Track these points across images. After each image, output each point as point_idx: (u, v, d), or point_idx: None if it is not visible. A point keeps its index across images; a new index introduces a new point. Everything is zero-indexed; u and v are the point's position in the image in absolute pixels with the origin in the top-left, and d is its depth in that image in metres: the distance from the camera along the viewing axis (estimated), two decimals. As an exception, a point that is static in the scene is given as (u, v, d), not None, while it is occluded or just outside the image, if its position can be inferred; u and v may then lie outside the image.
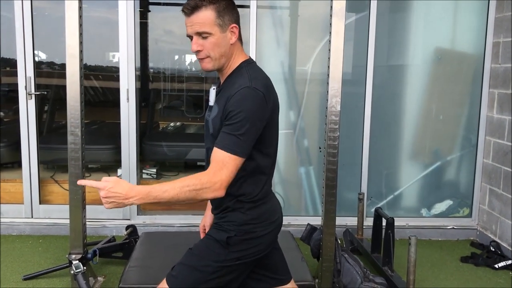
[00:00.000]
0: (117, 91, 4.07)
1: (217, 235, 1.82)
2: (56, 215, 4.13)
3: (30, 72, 3.97)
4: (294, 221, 4.10)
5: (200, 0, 1.69)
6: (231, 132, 1.65)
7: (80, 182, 1.64)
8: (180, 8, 1.75)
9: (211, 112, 1.82)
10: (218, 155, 1.65)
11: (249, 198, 1.79)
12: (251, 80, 1.71)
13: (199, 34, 1.72)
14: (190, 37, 1.76)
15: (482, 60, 4.14)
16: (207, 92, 6.04)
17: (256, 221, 1.81)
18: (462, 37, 4.19)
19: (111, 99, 5.87)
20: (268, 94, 1.72)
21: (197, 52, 1.75)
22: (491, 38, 4.08)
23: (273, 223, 1.88)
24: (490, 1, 4.06)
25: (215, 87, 1.86)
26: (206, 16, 1.70)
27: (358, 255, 3.50)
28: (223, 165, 1.64)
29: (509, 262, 3.64)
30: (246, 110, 1.65)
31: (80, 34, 2.85)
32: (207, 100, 1.92)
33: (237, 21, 1.78)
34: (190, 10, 1.70)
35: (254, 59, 4.18)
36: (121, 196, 1.55)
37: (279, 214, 1.93)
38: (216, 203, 1.86)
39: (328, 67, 2.88)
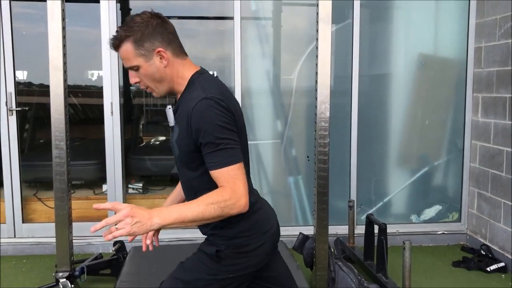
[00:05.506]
0: (97, 107, 4.02)
1: (207, 249, 1.75)
2: (40, 233, 4.01)
3: (11, 88, 3.89)
4: (285, 232, 3.99)
5: (116, 37, 1.67)
6: (214, 148, 1.58)
7: (97, 206, 1.52)
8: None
9: (173, 133, 1.74)
10: (222, 174, 1.58)
11: None
12: (204, 90, 1.64)
13: (130, 68, 1.70)
14: None
15: (465, 65, 4.18)
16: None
17: (246, 233, 1.73)
18: (445, 43, 4.23)
19: (92, 117, 5.80)
20: (225, 100, 1.64)
21: (137, 84, 1.73)
22: (473, 43, 4.14)
23: (266, 233, 1.78)
24: (470, 7, 4.12)
25: (170, 106, 1.76)
26: (125, 50, 1.67)
27: (351, 263, 3.46)
28: (234, 178, 1.57)
29: (501, 264, 3.64)
30: (211, 120, 1.58)
31: (64, 46, 2.80)
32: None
33: (162, 42, 1.68)
34: (114, 48, 1.70)
35: (240, 70, 4.18)
36: (145, 216, 1.45)
37: (272, 223, 1.83)
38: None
39: (316, 73, 2.87)
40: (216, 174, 1.59)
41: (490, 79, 3.92)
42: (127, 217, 1.44)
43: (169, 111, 1.75)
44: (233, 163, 1.58)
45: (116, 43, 1.68)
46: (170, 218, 1.49)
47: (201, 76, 1.73)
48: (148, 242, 1.84)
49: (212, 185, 1.61)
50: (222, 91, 1.70)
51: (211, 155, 1.59)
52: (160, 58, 1.68)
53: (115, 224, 1.45)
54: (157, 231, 1.93)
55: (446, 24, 4.21)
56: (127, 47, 1.66)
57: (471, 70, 4.17)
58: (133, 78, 1.72)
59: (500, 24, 3.78)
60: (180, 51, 1.74)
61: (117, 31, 1.68)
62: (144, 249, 1.83)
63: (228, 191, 1.55)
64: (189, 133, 1.61)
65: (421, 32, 4.20)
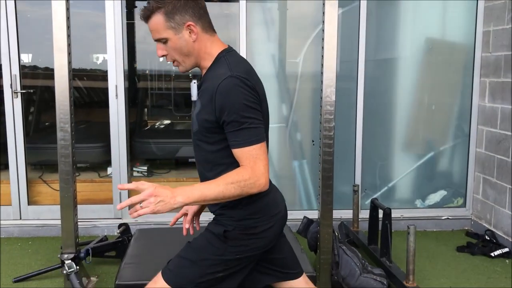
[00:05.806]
0: (102, 91, 4.01)
1: (215, 229, 1.76)
2: (45, 215, 4.04)
3: (16, 70, 3.89)
4: (289, 215, 3.96)
5: (147, 8, 1.67)
6: (238, 127, 1.59)
7: (121, 186, 1.56)
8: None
9: (195, 108, 1.75)
10: (244, 153, 1.60)
11: None
12: (231, 68, 1.64)
13: (158, 40, 1.70)
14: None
15: (472, 49, 4.14)
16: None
17: (256, 216, 1.74)
18: (452, 27, 4.18)
19: (97, 100, 5.81)
20: (251, 79, 1.65)
21: (164, 57, 1.74)
22: (481, 27, 4.09)
23: (274, 217, 1.79)
24: (479, -10, 4.07)
25: (195, 81, 1.77)
26: (156, 22, 1.67)
27: (355, 247, 3.47)
28: (255, 158, 1.59)
29: (505, 250, 3.64)
30: (236, 99, 1.59)
31: (68, 27, 2.78)
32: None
33: (193, 16, 1.68)
34: (144, 19, 1.70)
35: (245, 54, 4.14)
36: (168, 195, 1.50)
37: (281, 208, 1.84)
38: None
39: (322, 56, 2.84)
40: (238, 153, 1.61)
41: (498, 64, 3.87)
42: (151, 196, 1.49)
43: (194, 85, 1.76)
44: (255, 143, 1.60)
45: (147, 14, 1.68)
46: (193, 196, 1.53)
47: (228, 54, 1.74)
48: (187, 226, 1.88)
49: (226, 161, 1.65)
50: (248, 70, 1.70)
51: (234, 133, 1.60)
52: (190, 32, 1.69)
53: (140, 203, 1.50)
54: (197, 215, 1.99)
55: (454, 8, 4.15)
56: (158, 18, 1.66)
57: (478, 54, 4.12)
58: (161, 50, 1.72)
59: (509, 8, 3.72)
60: (209, 27, 1.75)
61: (148, 2, 1.68)
62: (184, 233, 1.89)
63: (248, 171, 1.58)
64: (212, 110, 1.62)
65: (428, 16, 4.14)
